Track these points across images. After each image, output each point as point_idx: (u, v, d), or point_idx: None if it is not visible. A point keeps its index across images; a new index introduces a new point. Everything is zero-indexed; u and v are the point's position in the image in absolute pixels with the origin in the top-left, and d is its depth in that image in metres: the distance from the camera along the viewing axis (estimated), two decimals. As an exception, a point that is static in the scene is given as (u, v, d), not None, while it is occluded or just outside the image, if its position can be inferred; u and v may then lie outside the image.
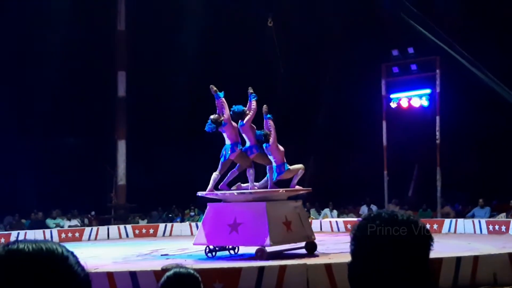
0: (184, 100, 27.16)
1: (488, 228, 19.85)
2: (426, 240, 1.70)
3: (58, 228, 22.52)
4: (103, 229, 22.90)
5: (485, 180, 23.50)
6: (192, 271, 3.20)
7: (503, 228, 19.47)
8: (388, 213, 1.73)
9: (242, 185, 14.73)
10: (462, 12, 23.50)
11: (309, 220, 16.41)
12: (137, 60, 25.95)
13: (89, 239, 22.13)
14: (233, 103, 14.63)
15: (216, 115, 14.15)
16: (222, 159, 14.32)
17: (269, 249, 13.27)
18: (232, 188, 14.52)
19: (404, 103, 23.77)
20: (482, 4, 23.33)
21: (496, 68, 22.19)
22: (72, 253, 1.42)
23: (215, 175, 14.28)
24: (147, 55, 26.75)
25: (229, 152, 14.18)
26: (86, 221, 24.28)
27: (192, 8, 26.00)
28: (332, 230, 22.67)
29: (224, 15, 26.24)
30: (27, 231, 21.19)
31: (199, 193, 14.64)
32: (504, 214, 20.82)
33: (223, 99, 14.33)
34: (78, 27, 25.00)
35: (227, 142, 14.29)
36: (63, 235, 21.67)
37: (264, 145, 14.60)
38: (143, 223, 24.74)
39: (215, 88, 14.38)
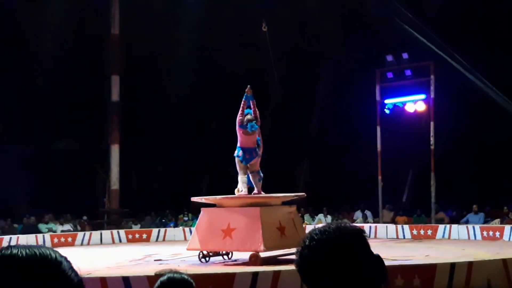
0: (178, 105, 27.17)
1: (482, 234, 19.88)
2: (358, 236, 1.80)
3: (51, 233, 22.43)
4: (96, 234, 22.82)
5: (479, 186, 23.54)
6: (186, 276, 3.17)
7: (497, 234, 19.49)
8: (318, 232, 1.81)
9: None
10: (457, 17, 23.55)
11: (303, 226, 16.39)
12: (130, 64, 25.91)
13: (81, 244, 22.05)
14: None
15: (250, 116, 14.09)
16: (243, 162, 14.07)
17: (263, 254, 13.24)
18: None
19: (399, 109, 23.82)
20: (476, 10, 23.38)
21: (490, 73, 22.25)
22: (65, 258, 1.41)
23: (244, 178, 14.11)
24: (141, 59, 26.72)
25: (253, 155, 14.11)
26: (78, 226, 24.19)
27: (186, 12, 26.01)
28: (326, 235, 22.59)
29: (219, 19, 26.24)
30: (19, 235, 21.09)
31: (193, 198, 14.60)
32: (498, 220, 20.86)
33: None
34: (71, 31, 24.95)
35: (249, 145, 14.11)
36: (55, 240, 21.57)
37: None
38: (136, 228, 24.66)
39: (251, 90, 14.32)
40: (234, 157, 14.26)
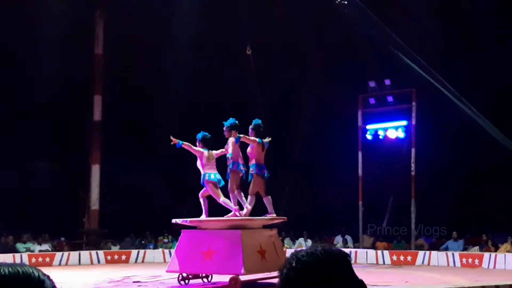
0: (160, 126, 27.10)
1: (461, 261, 19.94)
2: (345, 260, 1.79)
3: (29, 253, 22.18)
4: (74, 254, 22.60)
5: (459, 213, 23.67)
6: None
7: (476, 261, 19.58)
8: (305, 254, 1.79)
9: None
10: (440, 42, 23.78)
11: (284, 249, 16.35)
12: (113, 84, 25.85)
13: (59, 264, 21.82)
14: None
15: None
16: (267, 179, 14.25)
17: (243, 277, 13.18)
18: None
19: (380, 135, 23.94)
20: (462, 34, 23.62)
21: (474, 98, 22.40)
22: (48, 277, 1.41)
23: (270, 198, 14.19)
24: (124, 80, 26.67)
25: (267, 172, 14.26)
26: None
27: (171, 33, 26.06)
28: (306, 260, 22.57)
29: (204, 42, 26.30)
30: (-4, 255, 20.84)
31: (174, 220, 14.52)
32: (477, 247, 20.95)
33: None
34: (54, 50, 24.88)
35: (263, 161, 14.26)
36: (33, 260, 21.33)
37: None
38: (115, 249, 24.47)
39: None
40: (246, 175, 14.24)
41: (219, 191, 14.23)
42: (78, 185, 26.22)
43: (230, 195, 14.10)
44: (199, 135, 14.61)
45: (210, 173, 14.17)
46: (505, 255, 19.24)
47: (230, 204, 14.01)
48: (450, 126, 23.70)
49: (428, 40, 23.42)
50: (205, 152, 14.34)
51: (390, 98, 23.33)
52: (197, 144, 14.51)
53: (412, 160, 22.55)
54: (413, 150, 22.61)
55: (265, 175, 14.09)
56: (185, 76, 26.62)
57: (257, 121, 14.50)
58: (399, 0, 24.28)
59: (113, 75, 25.81)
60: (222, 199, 14.15)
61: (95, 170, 25.55)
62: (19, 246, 22.82)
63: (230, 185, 14.10)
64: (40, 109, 25.50)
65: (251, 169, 14.05)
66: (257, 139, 14.19)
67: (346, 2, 21.18)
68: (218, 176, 14.23)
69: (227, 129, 14.16)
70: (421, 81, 22.62)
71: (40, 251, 22.76)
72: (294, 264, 1.78)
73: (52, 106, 25.74)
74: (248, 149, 14.26)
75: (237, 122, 14.25)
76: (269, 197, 14.21)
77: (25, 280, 1.33)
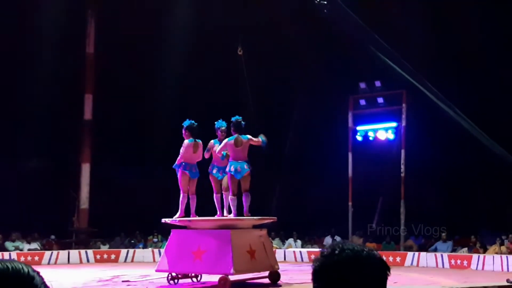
0: (151, 125, 27.07)
1: (450, 262, 20.02)
2: (384, 272, 1.82)
3: (17, 251, 22.10)
4: (63, 253, 22.53)
5: (448, 214, 23.74)
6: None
7: (465, 262, 19.66)
8: (350, 248, 1.79)
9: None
10: (429, 46, 23.86)
11: (273, 250, 16.37)
12: (104, 83, 25.79)
13: (49, 263, 21.75)
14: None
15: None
16: (237, 176, 14.03)
17: (232, 277, 13.18)
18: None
19: (370, 136, 24.00)
20: (450, 40, 23.72)
21: (462, 103, 22.50)
22: (38, 273, 1.41)
23: (235, 198, 14.18)
24: (116, 79, 26.61)
25: (245, 168, 14.07)
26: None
27: (163, 32, 26.04)
28: (295, 260, 22.67)
29: (196, 41, 26.27)
30: (-15, 253, 20.76)
31: (164, 220, 14.49)
32: (466, 248, 21.04)
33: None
34: (45, 49, 24.78)
35: (240, 159, 14.03)
36: (22, 258, 21.21)
37: None
38: (104, 248, 24.42)
39: None
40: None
41: (187, 186, 14.18)
42: (68, 184, 26.15)
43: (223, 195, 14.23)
44: (186, 123, 14.29)
45: (186, 164, 14.07)
46: (493, 256, 19.33)
47: (180, 205, 14.06)
48: (440, 128, 23.78)
49: (413, 42, 23.48)
50: (189, 143, 14.17)
51: (380, 100, 23.39)
52: (183, 132, 14.31)
53: (402, 161, 22.61)
54: (402, 151, 22.69)
55: (231, 172, 13.88)
56: (176, 76, 26.60)
57: (236, 118, 14.28)
58: (385, 3, 24.34)
59: (104, 74, 25.74)
60: (182, 195, 14.13)
61: (85, 169, 25.48)
62: (8, 244, 22.74)
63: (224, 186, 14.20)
64: (30, 107, 25.40)
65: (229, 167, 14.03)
66: (227, 140, 14.02)
67: (325, 2, 21.16)
68: (195, 170, 14.15)
69: (225, 132, 14.27)
70: (411, 83, 22.67)
71: (29, 249, 22.68)
72: (337, 251, 1.78)
73: (43, 104, 25.65)
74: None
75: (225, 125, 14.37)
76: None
77: (14, 276, 1.34)
